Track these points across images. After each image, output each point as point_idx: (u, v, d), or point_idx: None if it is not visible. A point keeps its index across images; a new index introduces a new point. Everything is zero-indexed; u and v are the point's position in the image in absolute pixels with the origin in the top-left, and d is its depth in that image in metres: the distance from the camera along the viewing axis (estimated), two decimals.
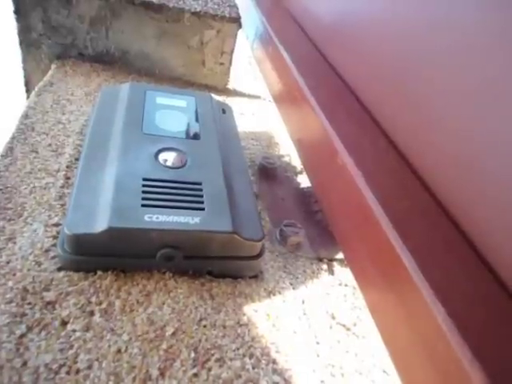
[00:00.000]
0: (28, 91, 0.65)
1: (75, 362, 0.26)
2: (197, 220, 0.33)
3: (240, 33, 0.65)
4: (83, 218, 0.31)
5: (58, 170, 0.41)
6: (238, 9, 0.64)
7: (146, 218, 0.31)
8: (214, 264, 0.35)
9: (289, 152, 0.58)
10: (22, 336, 0.27)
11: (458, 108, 0.29)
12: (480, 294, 0.24)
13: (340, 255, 0.43)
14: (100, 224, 0.30)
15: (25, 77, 0.63)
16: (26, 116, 0.47)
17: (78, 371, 0.26)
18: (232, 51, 0.65)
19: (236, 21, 0.62)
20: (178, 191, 0.35)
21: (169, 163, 0.37)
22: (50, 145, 0.44)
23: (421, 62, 0.32)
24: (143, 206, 0.32)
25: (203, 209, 0.34)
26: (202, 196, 0.35)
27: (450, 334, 0.22)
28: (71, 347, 0.27)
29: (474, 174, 0.27)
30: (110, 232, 0.30)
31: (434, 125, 0.31)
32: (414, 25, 0.34)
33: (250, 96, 0.70)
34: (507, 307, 0.23)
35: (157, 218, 0.32)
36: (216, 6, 0.62)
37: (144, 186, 0.34)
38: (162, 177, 0.35)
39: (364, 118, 0.40)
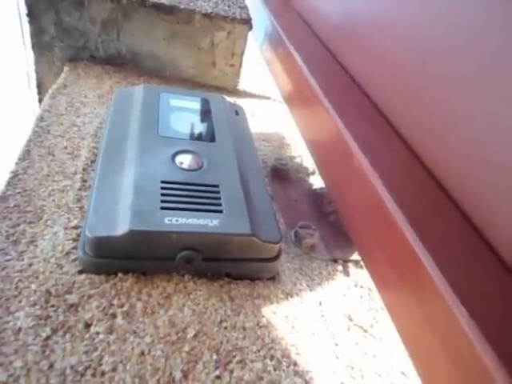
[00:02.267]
0: (40, 93, 0.65)
1: (100, 365, 0.26)
2: (216, 222, 0.33)
3: (249, 34, 0.65)
4: (104, 221, 0.31)
5: (75, 173, 0.41)
6: (248, 10, 0.64)
7: (166, 220, 0.32)
8: (233, 266, 0.35)
9: (300, 153, 0.58)
10: (48, 338, 0.27)
11: (467, 102, 0.29)
12: (498, 292, 0.24)
13: (354, 256, 0.43)
14: (121, 227, 0.31)
15: (37, 79, 0.64)
16: (41, 119, 0.47)
17: (103, 373, 0.26)
18: (242, 53, 0.65)
19: (247, 22, 0.62)
20: (196, 194, 0.35)
21: (185, 166, 0.38)
22: (65, 147, 0.44)
23: (428, 57, 0.32)
24: (162, 208, 0.32)
25: (221, 211, 0.34)
26: (219, 198, 0.35)
27: (473, 335, 0.22)
28: (95, 349, 0.27)
29: (484, 167, 0.27)
30: (132, 235, 0.30)
31: (443, 118, 0.31)
32: (419, 21, 0.34)
33: (260, 97, 0.70)
34: None
35: (176, 220, 0.32)
36: (227, 8, 0.62)
37: (163, 188, 0.34)
38: (179, 179, 0.36)
39: (374, 114, 0.40)
